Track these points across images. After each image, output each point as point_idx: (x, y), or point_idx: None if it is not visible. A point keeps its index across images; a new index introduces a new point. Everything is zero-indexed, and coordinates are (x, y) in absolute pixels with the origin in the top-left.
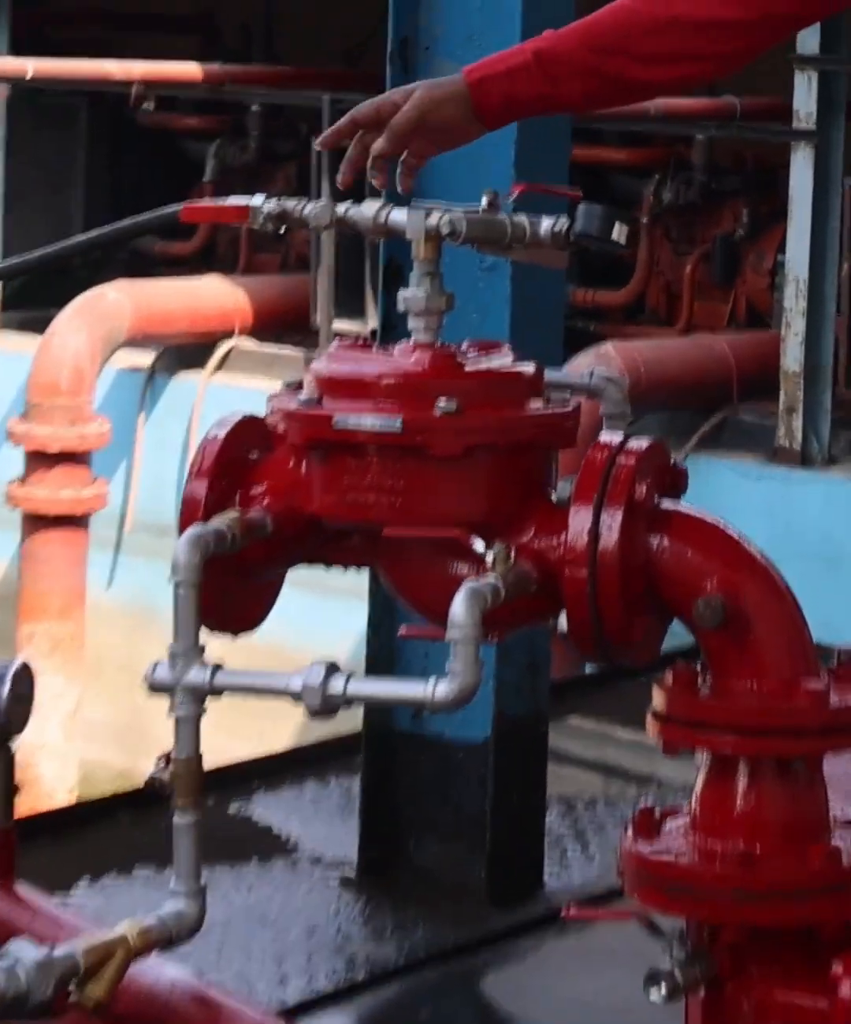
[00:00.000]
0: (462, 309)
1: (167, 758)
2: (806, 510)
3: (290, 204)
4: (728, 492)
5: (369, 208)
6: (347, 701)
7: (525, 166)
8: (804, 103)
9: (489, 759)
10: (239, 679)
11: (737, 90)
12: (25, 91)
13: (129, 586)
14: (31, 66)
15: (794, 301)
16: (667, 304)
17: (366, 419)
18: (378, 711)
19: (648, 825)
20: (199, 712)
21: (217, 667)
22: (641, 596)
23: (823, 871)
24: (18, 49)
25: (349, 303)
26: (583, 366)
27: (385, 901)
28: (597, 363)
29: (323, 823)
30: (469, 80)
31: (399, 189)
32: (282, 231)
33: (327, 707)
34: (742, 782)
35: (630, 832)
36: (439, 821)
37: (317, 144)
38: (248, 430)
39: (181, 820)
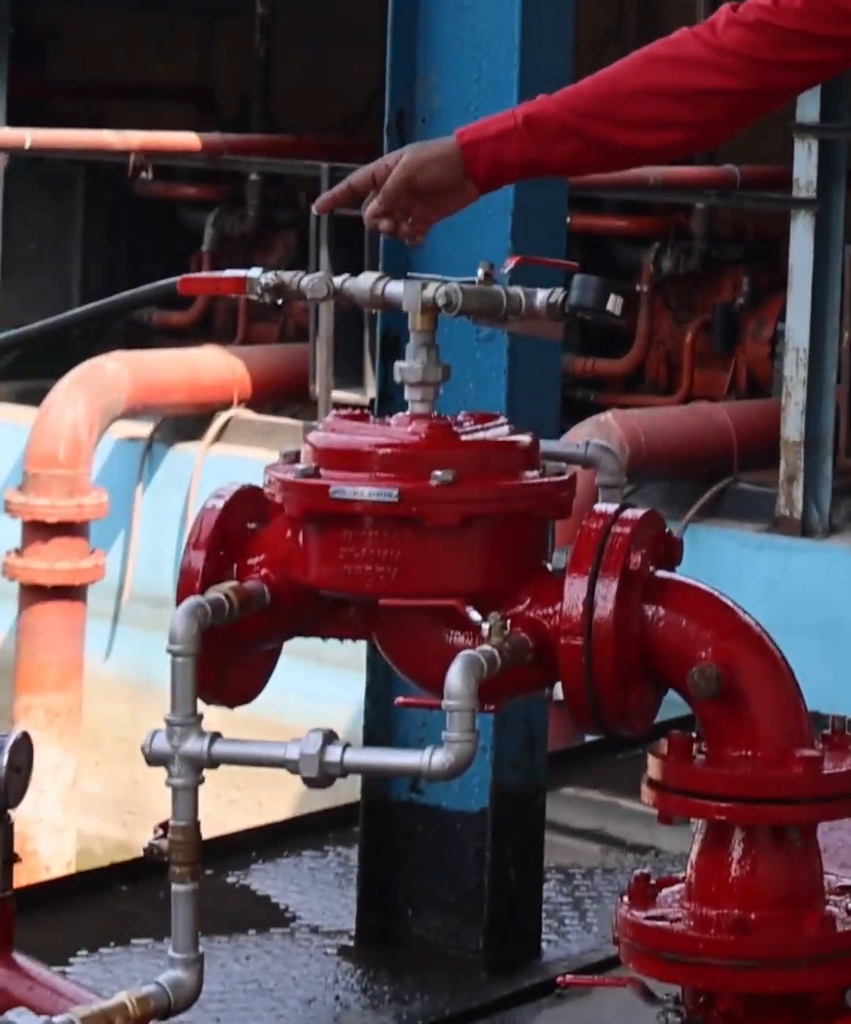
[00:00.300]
0: (459, 379)
1: (165, 827)
2: (807, 580)
3: (287, 276)
4: (728, 562)
5: (365, 280)
6: (344, 771)
7: (522, 237)
8: (804, 171)
9: (486, 830)
10: (237, 749)
11: (737, 158)
12: (23, 161)
13: (127, 658)
14: (29, 136)
15: (794, 370)
16: (667, 373)
17: (363, 490)
18: (376, 781)
19: (644, 892)
20: (197, 781)
21: (215, 736)
22: (636, 666)
23: (818, 938)
24: (16, 119)
25: (348, 373)
26: (583, 436)
27: (383, 971)
28: (597, 433)
29: (321, 893)
30: (460, 142)
31: (409, 244)
32: (279, 302)
33: (324, 776)
34: (737, 850)
35: (626, 899)
36: (437, 891)
37: (315, 207)
38: (246, 501)
39: (179, 888)
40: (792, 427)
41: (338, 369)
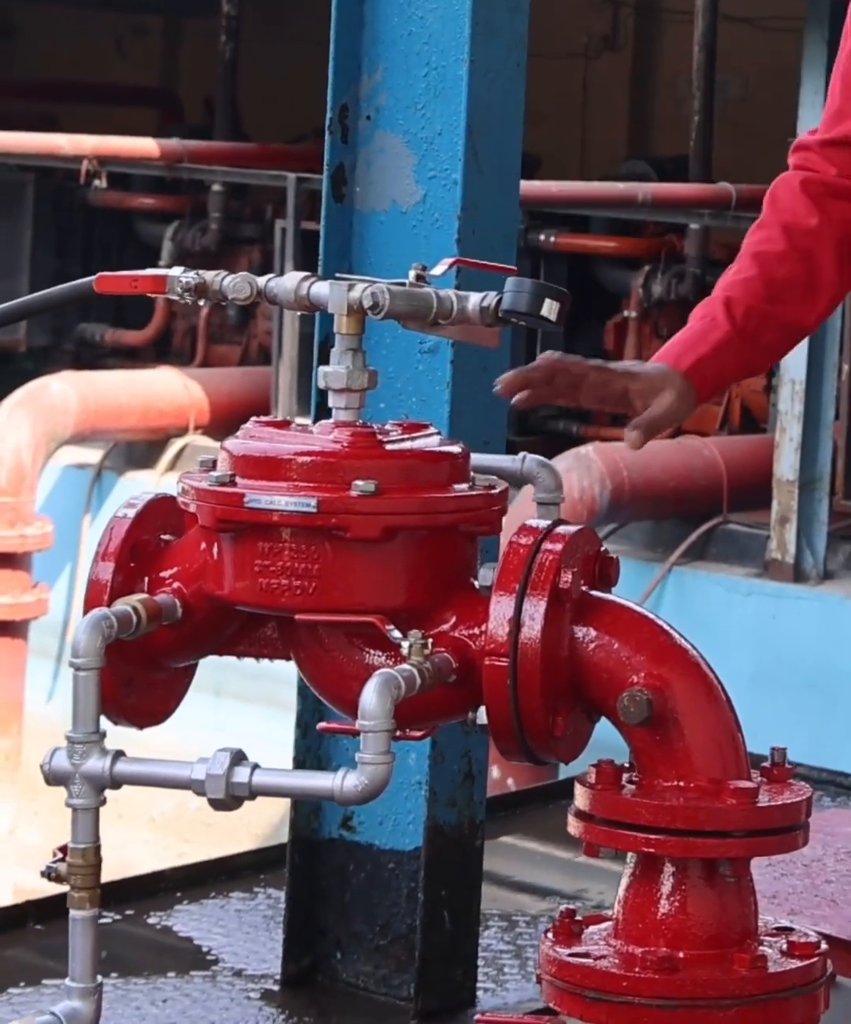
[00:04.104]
0: (401, 393)
1: (64, 850)
2: (798, 629)
3: (209, 275)
4: (715, 608)
5: (290, 281)
6: (253, 792)
7: (470, 241)
8: None
9: (420, 870)
10: (140, 768)
11: (733, 176)
12: None
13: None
14: None
15: (790, 405)
16: None
17: (279, 499)
18: (304, 818)
19: (568, 929)
20: (98, 802)
21: (118, 754)
22: (564, 689)
23: (748, 979)
24: None
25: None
26: (561, 470)
27: (308, 1017)
28: (576, 467)
29: (246, 935)
30: (683, 370)
31: None
32: (200, 302)
33: (231, 798)
34: (666, 885)
35: (549, 936)
36: (366, 934)
37: (500, 389)
38: (160, 511)
39: (77, 914)
40: (786, 465)
41: (302, 394)
